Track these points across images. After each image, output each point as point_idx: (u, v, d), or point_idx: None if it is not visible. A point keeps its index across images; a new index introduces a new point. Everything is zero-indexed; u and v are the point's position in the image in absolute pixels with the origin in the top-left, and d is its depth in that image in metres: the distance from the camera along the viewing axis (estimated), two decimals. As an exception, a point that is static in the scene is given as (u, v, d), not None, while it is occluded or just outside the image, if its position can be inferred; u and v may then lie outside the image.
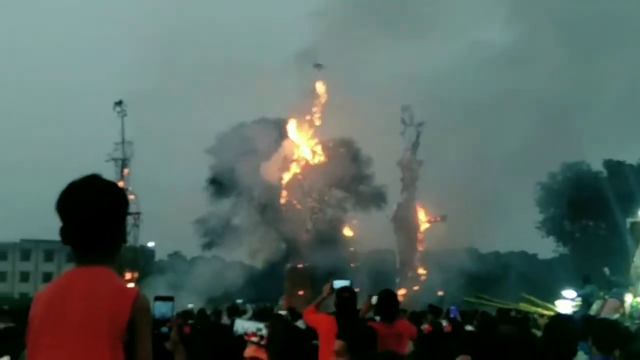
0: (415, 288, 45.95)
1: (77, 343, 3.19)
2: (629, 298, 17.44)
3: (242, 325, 6.13)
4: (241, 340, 5.59)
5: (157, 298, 4.20)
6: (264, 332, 6.17)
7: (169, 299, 4.22)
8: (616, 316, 15.75)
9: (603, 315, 15.15)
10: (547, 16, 56.09)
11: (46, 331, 3.25)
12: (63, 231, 3.34)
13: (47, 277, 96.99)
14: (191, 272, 49.98)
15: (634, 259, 20.04)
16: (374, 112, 48.44)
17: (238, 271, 52.55)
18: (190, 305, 28.97)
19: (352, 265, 48.57)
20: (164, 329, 3.99)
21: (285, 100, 52.20)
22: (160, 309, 4.11)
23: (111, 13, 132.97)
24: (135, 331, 3.23)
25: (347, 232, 51.86)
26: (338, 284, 8.70)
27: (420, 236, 49.96)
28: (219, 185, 54.31)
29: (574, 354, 5.70)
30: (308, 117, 50.31)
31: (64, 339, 3.21)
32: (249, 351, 5.41)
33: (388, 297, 8.60)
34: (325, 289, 8.76)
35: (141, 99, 50.47)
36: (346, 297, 8.33)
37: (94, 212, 3.31)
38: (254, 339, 6.11)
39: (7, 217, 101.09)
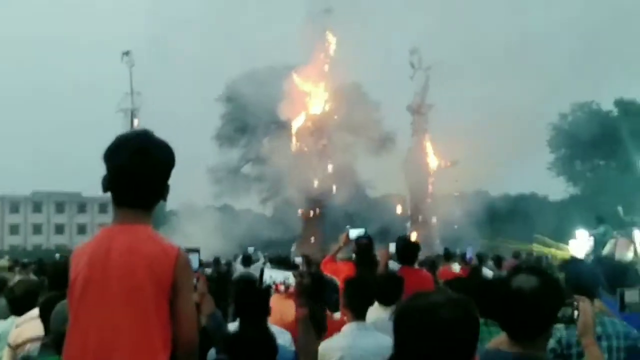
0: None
1: (122, 302, 3.21)
2: (638, 236, 17.47)
3: (270, 274, 6.13)
4: (269, 291, 5.61)
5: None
6: (291, 280, 6.19)
7: (195, 250, 4.22)
8: (630, 255, 15.82)
9: (617, 256, 15.18)
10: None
11: (90, 290, 3.26)
12: (107, 181, 3.35)
13: (59, 228, 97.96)
14: (202, 221, 50.16)
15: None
16: (384, 56, 48.12)
17: (248, 219, 52.77)
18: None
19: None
20: (192, 281, 4.01)
21: (294, 46, 51.88)
22: None
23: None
24: (178, 289, 3.27)
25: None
26: (353, 232, 8.71)
27: (431, 180, 49.94)
28: (229, 133, 54.32)
29: (595, 296, 5.65)
30: (316, 63, 49.94)
31: (108, 298, 3.22)
32: (273, 300, 5.44)
33: (407, 244, 8.64)
34: (342, 238, 8.78)
35: (149, 48, 50.28)
36: (364, 244, 8.36)
37: (144, 167, 3.33)
38: (281, 288, 6.13)
39: (18, 170, 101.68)
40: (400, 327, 2.75)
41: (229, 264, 21.13)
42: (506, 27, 50.50)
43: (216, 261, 20.37)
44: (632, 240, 17.08)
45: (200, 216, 52.51)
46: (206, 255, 29.16)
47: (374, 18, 49.96)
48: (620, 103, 62.51)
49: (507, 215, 55.17)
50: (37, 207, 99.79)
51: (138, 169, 3.30)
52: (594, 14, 58.73)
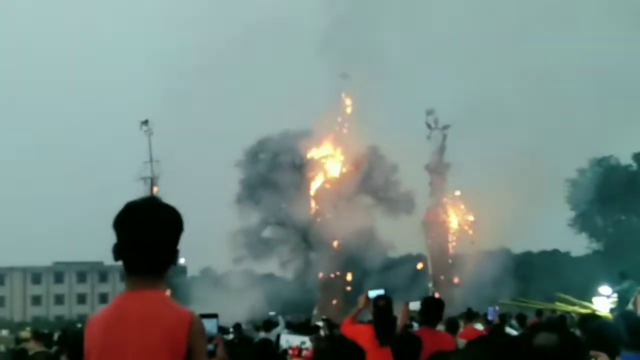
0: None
1: None
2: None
3: (287, 339, 6.13)
4: (284, 355, 5.59)
5: (202, 316, 4.23)
6: (308, 345, 6.17)
7: (213, 316, 4.23)
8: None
9: (638, 311, 14.99)
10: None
11: (106, 358, 3.28)
12: (118, 249, 3.38)
13: (81, 298, 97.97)
14: (223, 287, 49.98)
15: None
16: (400, 117, 48.41)
17: (269, 284, 52.61)
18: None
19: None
20: (210, 347, 4.00)
21: (311, 110, 52.23)
22: (205, 326, 4.11)
23: (133, 34, 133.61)
24: (193, 353, 3.28)
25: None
26: (372, 293, 8.66)
27: (451, 240, 49.72)
28: (248, 199, 54.48)
29: (617, 353, 5.57)
30: (334, 127, 50.28)
31: None
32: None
33: (433, 304, 8.59)
34: (361, 300, 8.72)
35: (168, 116, 50.77)
36: (382, 305, 8.29)
37: (155, 233, 3.34)
38: (297, 352, 6.13)
39: (39, 241, 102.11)
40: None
41: (251, 331, 21.00)
42: (522, 86, 50.69)
43: (237, 327, 20.21)
44: None
45: (221, 281, 52.42)
46: (228, 321, 29.07)
47: (389, 81, 50.21)
48: (638, 157, 62.38)
49: (530, 272, 54.75)
50: (58, 278, 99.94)
51: (147, 236, 3.32)
52: (611, 68, 59.00)
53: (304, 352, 5.97)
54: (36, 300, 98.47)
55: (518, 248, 60.18)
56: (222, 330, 19.74)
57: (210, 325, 4.13)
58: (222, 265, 60.46)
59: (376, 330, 7.99)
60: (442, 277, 47.88)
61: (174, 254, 3.43)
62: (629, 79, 61.86)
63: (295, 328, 14.44)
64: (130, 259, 3.38)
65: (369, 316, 9.28)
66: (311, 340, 6.09)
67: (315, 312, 45.44)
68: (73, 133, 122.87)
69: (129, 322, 3.28)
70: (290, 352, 5.96)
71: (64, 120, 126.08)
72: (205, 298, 45.86)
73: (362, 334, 7.96)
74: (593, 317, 8.44)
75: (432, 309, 8.50)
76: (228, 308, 43.31)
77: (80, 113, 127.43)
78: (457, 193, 49.75)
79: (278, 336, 6.33)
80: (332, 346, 6.08)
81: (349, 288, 47.10)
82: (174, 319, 3.29)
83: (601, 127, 57.26)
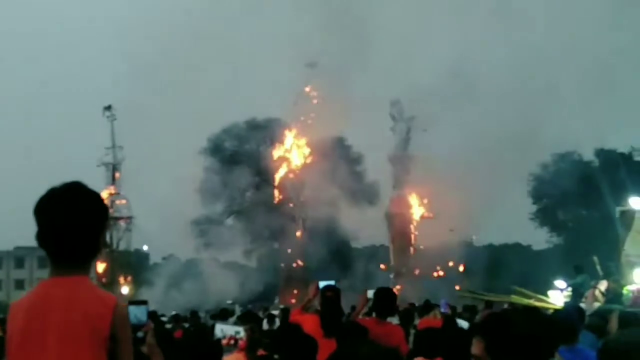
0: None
1: (60, 354, 3.18)
2: (602, 285, 17.57)
3: (222, 329, 6.12)
4: (219, 345, 5.57)
5: (131, 302, 4.18)
6: (242, 334, 6.16)
7: (143, 302, 4.18)
8: (597, 305, 15.85)
9: (586, 308, 15.18)
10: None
11: (28, 345, 3.23)
12: (39, 236, 3.32)
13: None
14: (186, 274, 49.84)
15: (624, 247, 20.04)
16: (367, 109, 48.45)
17: (232, 272, 52.47)
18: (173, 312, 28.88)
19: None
20: (140, 334, 3.97)
21: (276, 99, 52.14)
22: (135, 313, 4.07)
23: (96, 19, 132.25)
24: (117, 339, 3.24)
25: None
26: (323, 284, 8.69)
27: (414, 231, 49.94)
28: (212, 186, 54.24)
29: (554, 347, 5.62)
30: (300, 117, 50.25)
31: (46, 351, 3.19)
32: (230, 358, 5.39)
33: (385, 295, 8.57)
34: (311, 290, 8.75)
35: (131, 102, 50.41)
36: (330, 296, 8.31)
37: (75, 221, 3.27)
38: (233, 342, 6.12)
39: (0, 226, 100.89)
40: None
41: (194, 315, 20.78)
42: (487, 77, 50.99)
43: (194, 314, 20.12)
44: (599, 290, 17.20)
45: (184, 269, 52.25)
46: (187, 309, 28.94)
47: (357, 71, 50.20)
48: (600, 153, 62.99)
49: (491, 265, 55.10)
50: (19, 263, 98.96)
51: (66, 226, 3.27)
52: (574, 64, 59.52)
53: (240, 342, 5.98)
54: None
55: (480, 241, 60.63)
56: (179, 318, 19.69)
57: (140, 312, 4.10)
58: (185, 252, 60.29)
59: (322, 321, 7.99)
60: (403, 269, 48.12)
61: (97, 243, 3.38)
62: (596, 72, 62.24)
63: (239, 317, 14.41)
64: (51, 248, 3.33)
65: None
66: (245, 330, 6.09)
67: (276, 301, 45.49)
68: (34, 117, 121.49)
69: (51, 308, 3.24)
70: (224, 341, 5.97)
71: (24, 104, 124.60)
72: (167, 285, 45.75)
73: (308, 323, 7.97)
74: (535, 310, 8.55)
75: (384, 300, 8.50)
76: (188, 295, 43.27)
77: (42, 97, 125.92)
78: (420, 185, 49.92)
79: (213, 325, 6.34)
80: (263, 335, 6.07)
81: (310, 278, 47.16)
82: (97, 304, 3.25)
83: (565, 122, 57.79)
